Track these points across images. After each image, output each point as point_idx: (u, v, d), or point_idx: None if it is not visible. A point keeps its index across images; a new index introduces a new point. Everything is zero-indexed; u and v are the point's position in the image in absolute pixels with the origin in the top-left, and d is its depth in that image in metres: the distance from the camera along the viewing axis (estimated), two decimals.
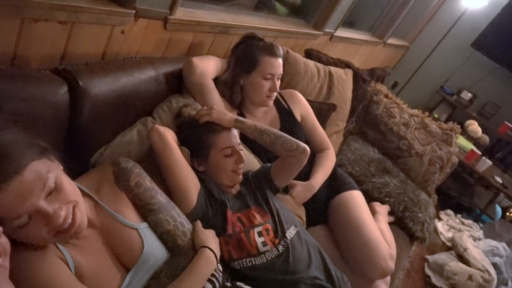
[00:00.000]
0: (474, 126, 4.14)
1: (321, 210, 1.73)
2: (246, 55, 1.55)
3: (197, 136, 1.29)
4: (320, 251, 1.33)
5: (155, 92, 1.38)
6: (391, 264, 1.54)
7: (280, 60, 1.59)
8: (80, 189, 0.90)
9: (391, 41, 4.08)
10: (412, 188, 2.22)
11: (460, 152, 3.58)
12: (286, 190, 1.50)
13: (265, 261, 1.20)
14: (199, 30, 1.61)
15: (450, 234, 3.22)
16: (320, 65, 2.23)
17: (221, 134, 1.29)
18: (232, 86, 1.59)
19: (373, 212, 1.88)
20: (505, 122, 4.30)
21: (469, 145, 3.85)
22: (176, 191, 1.18)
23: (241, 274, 1.20)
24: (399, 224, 2.07)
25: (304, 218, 1.59)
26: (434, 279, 2.68)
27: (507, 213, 3.89)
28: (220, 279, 1.06)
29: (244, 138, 1.39)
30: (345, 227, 1.63)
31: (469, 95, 4.57)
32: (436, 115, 4.47)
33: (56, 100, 1.03)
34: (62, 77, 1.07)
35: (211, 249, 1.05)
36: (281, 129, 1.63)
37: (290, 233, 1.27)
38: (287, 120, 1.72)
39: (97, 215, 0.95)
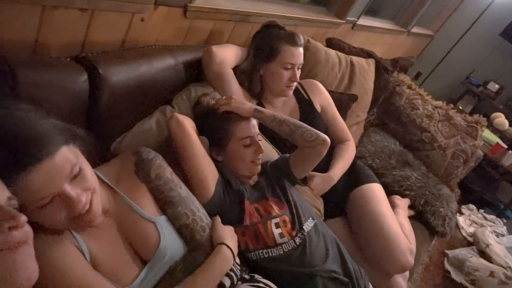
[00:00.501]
0: (500, 119, 4.00)
1: (340, 202, 1.70)
2: (266, 44, 1.53)
3: (215, 126, 1.28)
4: (337, 244, 1.31)
5: (174, 81, 1.37)
6: (411, 259, 1.51)
7: (301, 50, 1.56)
8: (99, 177, 0.90)
9: (415, 30, 3.95)
10: (433, 182, 2.17)
11: (484, 145, 3.47)
12: (305, 181, 1.48)
13: (281, 253, 1.19)
14: (218, 18, 1.59)
15: (471, 229, 3.14)
16: (341, 55, 2.19)
17: (240, 124, 1.27)
18: (252, 75, 1.57)
19: (393, 205, 1.84)
20: None
21: (495, 138, 3.73)
22: (194, 180, 1.18)
23: (257, 265, 1.20)
24: (419, 218, 2.03)
25: (322, 210, 1.57)
26: (454, 275, 2.62)
27: None
28: (238, 272, 1.05)
29: (262, 128, 1.37)
30: (363, 220, 1.60)
31: (496, 86, 4.40)
32: (460, 107, 4.34)
33: (76, 88, 1.04)
34: (82, 65, 1.07)
35: (228, 247, 1.04)
36: (300, 119, 1.60)
37: (308, 225, 1.26)
38: (307, 110, 1.69)
39: (115, 205, 0.95)
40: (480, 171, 3.66)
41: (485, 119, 2.44)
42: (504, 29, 4.19)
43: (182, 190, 1.07)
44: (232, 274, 1.02)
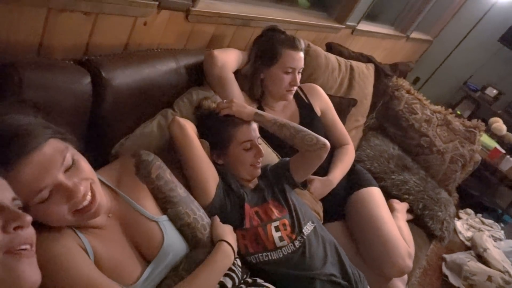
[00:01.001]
0: (498, 124, 4.02)
1: (339, 206, 1.71)
2: (267, 48, 1.54)
3: (216, 129, 1.29)
4: (336, 247, 1.32)
5: (176, 84, 1.38)
6: (409, 263, 1.53)
7: (302, 54, 1.57)
8: (100, 180, 0.91)
9: (414, 35, 3.98)
10: (432, 186, 2.18)
11: (483, 150, 3.49)
12: (304, 185, 1.48)
13: (281, 256, 1.20)
14: (220, 22, 1.60)
15: (469, 234, 3.15)
16: (341, 59, 2.20)
17: (241, 128, 1.28)
18: (252, 79, 1.59)
19: (392, 209, 1.85)
20: None
21: (493, 143, 3.75)
22: (195, 183, 1.19)
23: (257, 269, 1.20)
24: (417, 222, 2.04)
25: (322, 214, 1.58)
26: (452, 279, 2.63)
27: None
28: (240, 274, 1.06)
29: (262, 132, 1.39)
30: (362, 224, 1.61)
31: (495, 91, 4.42)
32: (458, 112, 4.36)
33: (80, 90, 1.05)
34: (85, 67, 1.08)
35: (228, 243, 1.05)
36: (300, 123, 1.61)
37: (307, 229, 1.27)
38: (307, 114, 1.71)
39: (117, 206, 0.96)
40: (478, 176, 3.67)
41: (483, 124, 2.46)
42: (502, 35, 4.21)
43: (182, 190, 1.09)
44: (234, 275, 1.03)
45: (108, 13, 1.15)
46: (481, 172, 3.68)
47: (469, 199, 3.66)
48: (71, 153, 0.78)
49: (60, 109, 0.99)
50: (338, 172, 1.66)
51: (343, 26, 2.53)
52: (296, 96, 1.70)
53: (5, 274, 0.55)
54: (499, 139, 3.98)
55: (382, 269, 1.52)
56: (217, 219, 1.14)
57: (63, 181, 0.74)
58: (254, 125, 1.33)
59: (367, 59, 2.42)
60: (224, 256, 1.02)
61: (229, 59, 1.48)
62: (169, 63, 1.34)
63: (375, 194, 1.72)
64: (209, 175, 1.21)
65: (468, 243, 3.04)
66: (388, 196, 1.96)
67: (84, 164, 0.81)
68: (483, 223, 3.41)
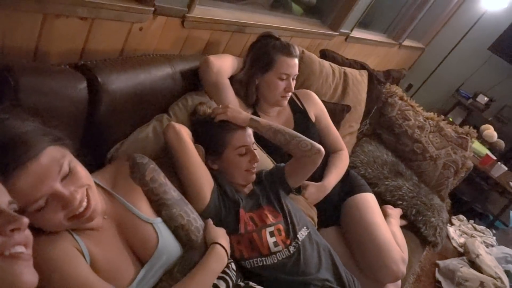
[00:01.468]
0: (489, 131, 4.07)
1: (333, 211, 1.72)
2: (262, 54, 1.55)
3: (212, 134, 1.29)
4: (330, 253, 1.32)
5: (172, 90, 1.39)
6: (403, 268, 1.53)
7: (296, 60, 1.58)
8: (96, 183, 0.91)
9: (406, 42, 4.03)
10: (425, 192, 2.20)
11: (474, 157, 3.52)
12: (299, 190, 1.50)
13: (276, 261, 1.20)
14: (216, 28, 1.61)
15: (462, 240, 3.17)
16: (335, 66, 2.22)
17: (236, 133, 1.29)
18: (248, 85, 1.59)
19: (386, 215, 1.87)
20: None
21: (484, 150, 3.80)
22: (190, 188, 1.19)
23: (252, 274, 1.20)
24: (411, 228, 2.06)
25: (316, 219, 1.59)
26: (445, 285, 2.64)
27: None
28: (234, 278, 1.06)
29: (257, 137, 1.39)
30: (357, 230, 1.62)
31: (486, 99, 4.48)
32: (450, 119, 4.41)
33: (75, 95, 1.04)
34: (81, 72, 1.08)
35: (222, 246, 1.06)
36: (295, 129, 1.62)
37: (302, 234, 1.27)
38: (301, 120, 1.72)
39: (113, 208, 0.96)
40: (470, 182, 3.71)
41: (475, 130, 2.49)
42: (492, 43, 4.28)
43: (176, 193, 1.09)
44: (228, 278, 1.04)
45: (104, 18, 1.15)
46: (473, 179, 3.72)
47: (461, 205, 3.69)
48: (68, 161, 0.78)
49: (56, 114, 0.99)
50: (333, 178, 1.67)
51: (337, 33, 2.56)
52: (291, 102, 1.72)
53: (1, 275, 0.55)
54: (491, 146, 4.03)
55: (376, 275, 1.52)
56: (210, 221, 1.14)
57: (60, 190, 0.74)
58: (249, 131, 1.34)
59: (360, 66, 2.44)
60: (217, 258, 1.03)
61: (225, 65, 1.49)
62: (165, 69, 1.34)
63: (369, 200, 1.73)
64: (204, 180, 1.21)
65: (460, 249, 3.05)
66: (381, 201, 1.98)
67: (81, 170, 0.81)
68: (475, 229, 3.43)
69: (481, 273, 2.64)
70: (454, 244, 3.12)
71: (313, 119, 1.75)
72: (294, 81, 1.62)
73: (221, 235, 1.11)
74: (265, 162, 1.51)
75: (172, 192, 1.08)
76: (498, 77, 4.42)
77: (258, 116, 1.61)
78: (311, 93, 1.82)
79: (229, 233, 1.17)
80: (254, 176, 1.33)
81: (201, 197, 1.19)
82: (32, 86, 0.92)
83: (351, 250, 1.63)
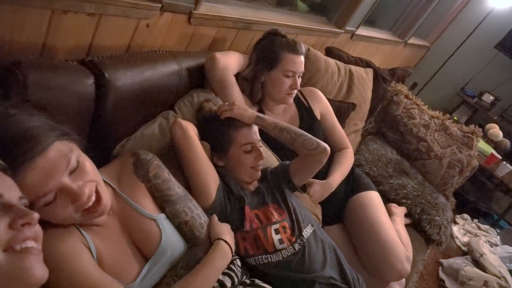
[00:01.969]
0: (495, 130, 4.05)
1: (338, 209, 1.72)
2: (268, 51, 1.55)
3: (217, 131, 1.30)
4: (335, 251, 1.32)
5: (177, 86, 1.39)
6: (407, 266, 1.53)
7: (302, 58, 1.58)
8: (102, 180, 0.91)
9: (412, 41, 4.01)
10: (429, 191, 2.20)
11: (479, 156, 3.51)
12: (304, 188, 1.50)
13: (281, 258, 1.20)
14: (222, 25, 1.61)
15: (465, 239, 3.16)
16: (340, 64, 2.22)
17: (242, 130, 1.29)
18: (253, 82, 1.59)
19: (390, 213, 1.86)
20: None
21: (489, 149, 3.78)
22: (195, 185, 1.19)
23: (257, 271, 1.21)
24: (415, 226, 2.05)
25: (321, 217, 1.59)
26: (448, 283, 2.64)
27: None
28: (239, 274, 1.06)
29: (262, 134, 1.39)
30: (361, 228, 1.62)
31: (491, 98, 4.46)
32: (455, 118, 4.39)
33: (83, 91, 1.05)
34: (88, 68, 1.08)
35: (226, 242, 1.06)
36: (300, 127, 1.64)
37: (307, 231, 1.27)
38: (307, 117, 1.72)
39: (117, 204, 0.97)
40: (475, 181, 3.70)
41: (480, 129, 2.48)
42: (499, 42, 4.26)
43: (180, 189, 1.10)
44: (233, 274, 1.04)
45: (111, 14, 1.16)
46: (478, 178, 3.71)
47: (465, 204, 3.68)
48: (76, 155, 0.78)
49: (63, 110, 0.99)
50: (337, 176, 1.67)
51: (343, 31, 2.55)
52: (296, 99, 1.71)
53: (13, 269, 0.55)
54: (496, 145, 4.01)
55: (381, 273, 1.52)
56: (215, 217, 1.14)
57: (68, 184, 0.75)
58: (255, 128, 1.34)
59: (366, 64, 2.44)
60: (222, 254, 1.03)
61: (231, 62, 1.49)
62: (171, 65, 1.34)
63: (373, 198, 1.73)
64: (210, 178, 1.21)
65: (464, 248, 3.04)
66: (386, 200, 1.98)
67: (89, 166, 0.82)
68: (479, 228, 3.42)
69: (485, 272, 2.64)
70: (458, 243, 3.11)
71: (318, 117, 1.74)
72: (300, 79, 1.62)
73: (225, 231, 1.11)
74: (270, 159, 1.51)
75: (176, 188, 1.08)
76: (504, 75, 4.40)
77: (264, 113, 1.62)
78: (317, 91, 1.82)
79: (234, 230, 1.17)
80: (259, 173, 1.33)
81: (206, 194, 1.19)
82: (40, 81, 0.93)
83: (355, 248, 1.63)
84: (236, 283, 1.04)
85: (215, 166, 1.27)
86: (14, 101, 0.83)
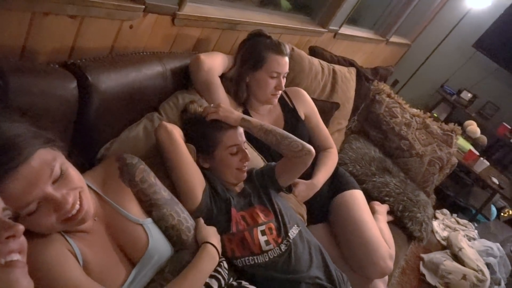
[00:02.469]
0: (473, 127, 4.16)
1: (323, 208, 1.74)
2: (253, 52, 1.55)
3: (203, 133, 1.29)
4: (321, 250, 1.34)
5: (162, 88, 1.38)
6: (390, 264, 1.56)
7: (287, 59, 1.59)
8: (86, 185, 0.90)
9: (393, 39, 4.07)
10: (411, 188, 2.24)
11: (458, 152, 3.60)
12: (289, 189, 1.51)
13: (267, 260, 1.21)
14: (206, 26, 1.60)
15: (445, 233, 3.25)
16: (324, 63, 2.23)
17: (228, 132, 1.29)
18: (238, 83, 1.59)
19: (373, 211, 1.89)
20: (504, 123, 4.32)
21: (468, 146, 3.88)
22: (181, 188, 1.19)
23: (244, 272, 1.22)
24: (397, 223, 2.09)
25: (306, 216, 1.61)
26: (429, 278, 2.71)
27: (502, 214, 3.93)
28: (226, 276, 1.07)
29: (248, 135, 1.40)
30: (345, 226, 1.65)
31: (469, 95, 4.58)
32: (435, 114, 4.48)
33: (66, 95, 1.03)
34: (71, 71, 1.06)
35: (213, 245, 1.06)
36: (285, 127, 1.65)
37: (293, 232, 1.28)
38: (291, 118, 1.73)
39: (102, 209, 0.96)
40: (454, 177, 3.80)
41: (459, 127, 2.54)
42: (476, 41, 4.36)
43: (166, 193, 1.09)
44: (220, 277, 1.04)
45: (94, 16, 1.14)
46: (457, 174, 3.81)
47: (445, 199, 3.77)
48: (60, 163, 0.77)
49: (46, 114, 0.97)
50: (322, 176, 1.69)
51: (326, 30, 2.57)
52: (281, 100, 1.72)
53: None
54: (474, 141, 4.12)
55: (364, 270, 1.55)
56: (201, 220, 1.15)
57: (51, 193, 0.74)
58: (241, 130, 1.34)
59: (349, 63, 2.46)
60: (209, 258, 1.03)
61: (215, 63, 1.48)
62: (155, 67, 1.33)
63: (357, 197, 1.75)
64: (195, 181, 1.21)
65: (444, 243, 3.13)
66: (369, 198, 2.01)
67: (73, 173, 0.81)
68: (458, 223, 3.52)
69: (464, 266, 2.72)
70: (438, 238, 3.19)
71: (302, 117, 1.76)
72: (285, 79, 1.63)
73: (212, 234, 1.11)
74: (255, 160, 1.52)
75: (163, 192, 1.08)
76: (482, 74, 4.51)
77: (249, 114, 1.62)
78: (301, 91, 1.83)
79: (220, 232, 1.17)
80: (245, 174, 1.34)
81: (192, 197, 1.19)
82: (22, 86, 0.91)
83: (340, 247, 1.65)
84: (223, 285, 1.05)
85: (201, 168, 1.27)
86: None
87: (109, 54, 1.29)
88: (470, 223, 3.56)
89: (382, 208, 2.01)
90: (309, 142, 1.35)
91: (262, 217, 1.27)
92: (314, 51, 2.37)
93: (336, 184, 1.80)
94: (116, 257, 0.93)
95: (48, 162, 0.74)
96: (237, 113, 1.32)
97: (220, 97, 1.48)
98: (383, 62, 4.41)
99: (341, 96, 2.25)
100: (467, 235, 3.28)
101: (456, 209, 3.80)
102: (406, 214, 2.08)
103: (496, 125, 4.37)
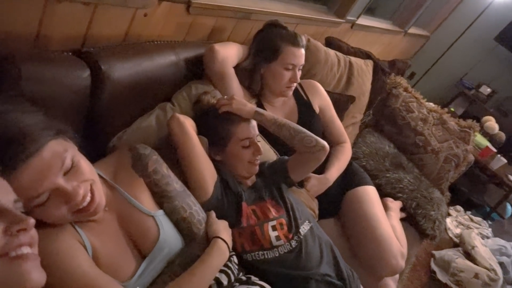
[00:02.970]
0: (491, 123, 4.05)
1: (334, 203, 1.72)
2: (268, 43, 1.52)
3: (216, 126, 1.28)
4: (332, 247, 1.32)
5: (175, 78, 1.36)
6: (401, 262, 1.54)
7: (303, 51, 1.55)
8: (97, 174, 0.90)
9: (412, 30, 3.97)
10: (425, 185, 2.20)
11: (474, 148, 3.52)
12: (301, 184, 1.49)
13: (277, 255, 1.20)
14: (221, 15, 1.57)
15: (458, 231, 3.20)
16: (340, 55, 2.19)
17: (240, 125, 1.27)
18: (252, 74, 1.57)
19: (386, 208, 1.87)
20: None
21: (485, 142, 3.78)
22: (193, 180, 1.18)
23: (253, 267, 1.21)
24: (410, 220, 2.06)
25: (317, 211, 1.59)
26: (440, 275, 2.68)
27: None
28: (236, 271, 1.06)
29: (261, 129, 1.37)
30: (357, 223, 1.62)
31: (488, 90, 4.45)
32: (452, 109, 4.38)
33: (78, 84, 1.02)
34: (84, 60, 1.05)
35: (223, 240, 1.05)
36: (298, 120, 1.63)
37: (304, 228, 1.27)
38: (305, 111, 1.70)
39: (114, 200, 0.95)
40: (469, 174, 3.71)
41: (477, 124, 2.48)
42: (498, 34, 4.22)
43: (178, 185, 1.08)
44: (230, 272, 1.04)
45: (108, 3, 1.11)
46: (472, 170, 3.72)
47: (459, 196, 3.71)
48: (71, 155, 0.76)
49: (58, 103, 0.97)
50: (335, 171, 1.66)
51: (343, 21, 2.51)
52: (295, 93, 1.69)
53: (9, 275, 0.55)
54: (491, 138, 4.02)
55: (375, 268, 1.53)
56: (212, 214, 1.14)
57: (62, 185, 0.74)
58: (254, 123, 1.32)
59: (366, 55, 2.40)
60: (219, 253, 1.02)
61: (230, 54, 1.46)
62: (169, 56, 1.31)
63: (370, 193, 1.73)
64: (207, 173, 1.20)
65: (456, 240, 3.08)
66: (382, 194, 1.97)
67: (85, 165, 0.80)
68: (472, 220, 3.46)
69: (476, 264, 2.68)
70: (450, 235, 3.15)
71: (317, 110, 1.73)
72: (300, 72, 1.59)
73: (223, 229, 1.10)
74: (268, 153, 1.50)
75: (175, 184, 1.07)
76: (502, 68, 4.39)
77: (262, 106, 1.59)
78: (317, 84, 1.79)
79: (231, 226, 1.16)
80: (257, 168, 1.32)
81: (204, 190, 1.18)
82: (34, 74, 0.90)
83: (350, 243, 1.63)
84: (232, 280, 1.04)
85: (213, 160, 1.25)
86: (7, 96, 0.80)
87: (123, 42, 1.27)
88: (484, 221, 3.50)
89: (395, 205, 1.98)
90: (323, 136, 1.33)
91: (273, 212, 1.26)
92: (330, 42, 2.32)
93: (349, 179, 1.77)
94: (126, 248, 0.93)
95: (60, 153, 0.74)
96: (250, 106, 1.30)
97: (234, 88, 1.46)
98: (400, 54, 4.30)
99: (357, 89, 2.20)
100: (480, 233, 3.22)
101: (470, 206, 3.73)
102: (419, 211, 2.05)
103: None
